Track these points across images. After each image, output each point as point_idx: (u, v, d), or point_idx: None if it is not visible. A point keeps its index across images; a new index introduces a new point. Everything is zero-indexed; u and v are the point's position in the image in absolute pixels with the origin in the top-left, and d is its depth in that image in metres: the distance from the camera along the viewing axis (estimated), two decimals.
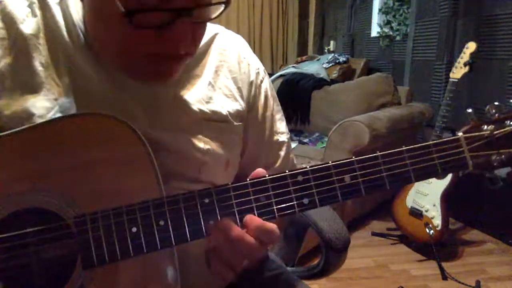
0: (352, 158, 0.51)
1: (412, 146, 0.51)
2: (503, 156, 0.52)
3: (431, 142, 0.51)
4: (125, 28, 0.48)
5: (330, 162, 0.51)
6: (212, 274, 0.51)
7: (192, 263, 0.57)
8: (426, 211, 1.97)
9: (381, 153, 0.51)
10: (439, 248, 1.95)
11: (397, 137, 2.27)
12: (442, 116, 1.92)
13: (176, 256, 0.51)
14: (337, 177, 0.50)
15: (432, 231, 1.93)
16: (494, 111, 0.53)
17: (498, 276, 1.87)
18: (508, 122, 0.52)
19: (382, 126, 2.10)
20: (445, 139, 0.52)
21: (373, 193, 0.51)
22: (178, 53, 0.52)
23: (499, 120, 0.53)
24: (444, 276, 1.85)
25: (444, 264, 1.89)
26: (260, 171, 0.51)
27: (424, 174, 0.51)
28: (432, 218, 1.95)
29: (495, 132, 0.52)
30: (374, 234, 2.25)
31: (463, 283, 1.79)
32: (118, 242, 0.47)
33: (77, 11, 0.57)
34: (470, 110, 0.54)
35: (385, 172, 0.50)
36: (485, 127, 0.52)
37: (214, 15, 0.51)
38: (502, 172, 0.54)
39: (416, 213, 2.00)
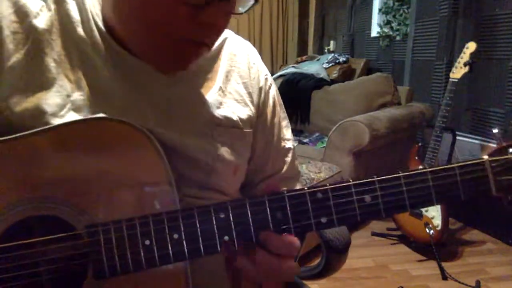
0: (374, 177, 0.49)
1: (436, 168, 0.49)
2: None
3: (455, 165, 0.49)
4: (164, 4, 0.49)
5: (351, 180, 0.49)
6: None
7: (202, 262, 0.56)
8: (426, 211, 1.98)
9: (403, 173, 0.49)
10: (439, 248, 1.95)
11: (397, 137, 2.27)
12: (442, 116, 1.93)
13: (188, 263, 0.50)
14: (357, 197, 0.49)
15: (432, 231, 1.93)
16: None
17: (498, 276, 1.88)
18: None
19: (382, 126, 2.11)
20: (469, 162, 0.50)
21: (392, 215, 0.50)
22: (204, 39, 0.53)
23: None
24: (444, 276, 1.85)
25: (444, 264, 1.90)
26: (274, 183, 0.50)
27: (446, 197, 0.50)
28: (432, 218, 1.96)
29: None
30: (374, 234, 2.26)
31: (463, 283, 1.79)
32: (131, 255, 0.46)
33: (93, 5, 0.55)
34: (496, 130, 0.53)
35: (406, 194, 0.49)
36: (511, 150, 0.50)
37: (243, 10, 0.52)
38: None
39: (416, 213, 2.00)
